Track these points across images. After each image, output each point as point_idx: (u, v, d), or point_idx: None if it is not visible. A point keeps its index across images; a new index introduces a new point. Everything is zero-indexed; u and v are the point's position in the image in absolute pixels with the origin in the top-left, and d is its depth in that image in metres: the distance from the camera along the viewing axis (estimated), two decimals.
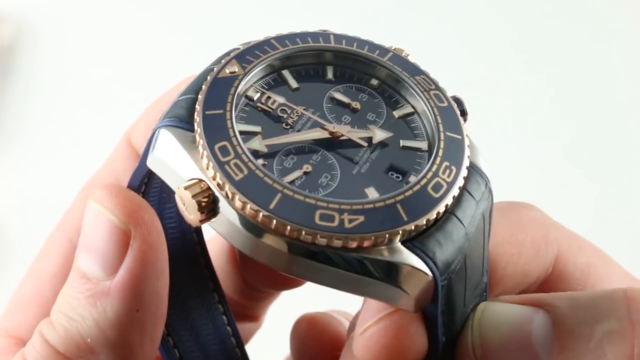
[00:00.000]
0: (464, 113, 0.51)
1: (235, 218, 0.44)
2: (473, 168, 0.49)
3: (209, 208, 0.45)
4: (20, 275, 0.58)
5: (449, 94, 0.51)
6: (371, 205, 0.45)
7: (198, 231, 0.60)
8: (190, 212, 0.45)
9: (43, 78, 1.28)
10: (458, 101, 0.51)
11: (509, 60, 1.32)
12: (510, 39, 1.34)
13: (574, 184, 1.22)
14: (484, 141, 1.34)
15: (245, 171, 0.45)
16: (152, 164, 0.47)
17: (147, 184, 0.51)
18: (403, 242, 0.45)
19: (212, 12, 1.33)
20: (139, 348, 0.48)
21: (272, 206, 0.44)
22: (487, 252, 0.50)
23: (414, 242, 0.45)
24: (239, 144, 0.46)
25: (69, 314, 0.48)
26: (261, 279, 0.64)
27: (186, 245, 0.61)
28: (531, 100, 1.29)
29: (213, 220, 0.45)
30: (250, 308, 0.69)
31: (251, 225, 0.44)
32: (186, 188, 0.44)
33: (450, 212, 0.46)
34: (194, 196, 0.44)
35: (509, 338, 0.48)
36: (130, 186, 0.51)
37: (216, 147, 0.45)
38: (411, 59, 0.52)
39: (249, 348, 0.65)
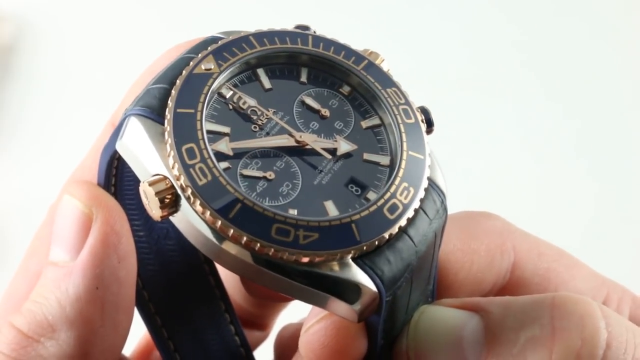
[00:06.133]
0: (430, 124, 0.51)
1: (195, 219, 0.45)
2: (431, 186, 0.49)
3: (171, 205, 0.46)
4: None
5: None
6: (327, 223, 0.46)
7: None
8: (152, 207, 0.46)
9: (43, 78, 1.28)
10: (425, 111, 0.51)
11: (509, 60, 1.32)
12: (512, 39, 1.34)
13: (575, 184, 1.22)
14: (484, 141, 1.34)
15: (209, 177, 0.45)
16: (120, 149, 0.48)
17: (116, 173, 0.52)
18: (354, 259, 0.46)
19: (212, 11, 1.33)
20: (99, 328, 0.50)
21: (231, 215, 0.45)
22: (435, 263, 0.51)
23: (364, 259, 0.46)
24: (205, 147, 0.46)
25: (36, 298, 0.50)
26: (261, 292, 0.64)
27: (188, 253, 0.61)
28: (531, 100, 1.29)
29: (174, 215, 0.46)
30: (259, 316, 0.69)
31: (210, 229, 0.45)
32: (150, 184, 0.45)
33: (403, 230, 0.47)
34: (157, 193, 0.45)
35: (441, 342, 0.49)
36: (101, 160, 0.52)
37: (183, 148, 0.46)
38: (385, 64, 0.52)
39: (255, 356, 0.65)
